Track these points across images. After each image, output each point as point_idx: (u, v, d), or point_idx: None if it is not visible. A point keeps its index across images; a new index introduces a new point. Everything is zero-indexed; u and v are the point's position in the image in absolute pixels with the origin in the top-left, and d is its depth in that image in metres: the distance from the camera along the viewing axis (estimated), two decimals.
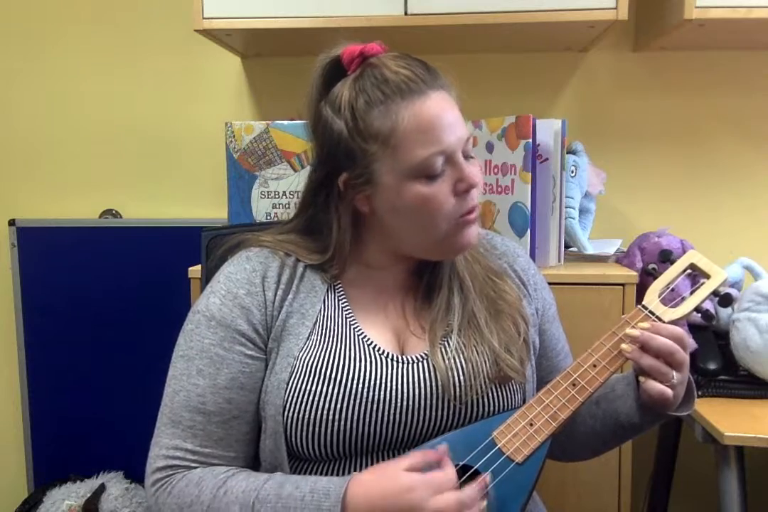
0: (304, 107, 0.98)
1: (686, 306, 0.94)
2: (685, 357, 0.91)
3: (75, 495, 1.81)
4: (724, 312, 1.48)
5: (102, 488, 1.82)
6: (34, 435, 1.96)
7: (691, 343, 1.36)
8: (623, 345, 0.91)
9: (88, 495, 1.80)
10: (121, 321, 1.90)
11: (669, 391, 0.89)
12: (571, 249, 1.61)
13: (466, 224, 0.94)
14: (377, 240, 0.99)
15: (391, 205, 0.93)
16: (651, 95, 1.81)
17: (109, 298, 1.90)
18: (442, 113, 0.90)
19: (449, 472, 0.82)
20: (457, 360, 0.94)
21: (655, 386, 0.89)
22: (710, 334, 1.46)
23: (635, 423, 0.98)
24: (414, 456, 0.84)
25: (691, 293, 0.95)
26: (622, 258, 1.61)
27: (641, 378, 0.91)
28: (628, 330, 0.91)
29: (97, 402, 1.92)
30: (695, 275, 0.98)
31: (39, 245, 1.92)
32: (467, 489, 0.82)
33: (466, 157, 0.94)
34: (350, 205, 0.95)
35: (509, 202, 1.47)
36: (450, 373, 0.93)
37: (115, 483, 1.84)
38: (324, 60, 0.96)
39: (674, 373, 0.89)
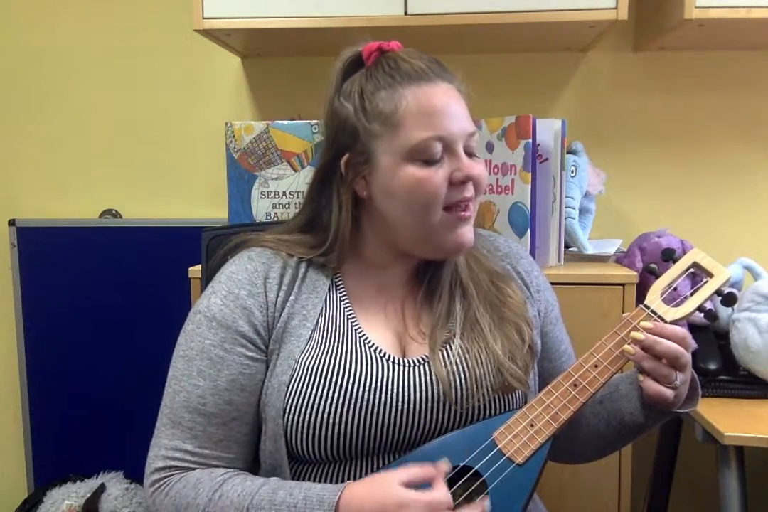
0: (322, 102, 0.98)
1: (689, 306, 0.94)
2: (689, 359, 0.91)
3: (75, 495, 1.81)
4: (724, 312, 1.48)
5: (102, 488, 1.81)
6: (34, 435, 1.96)
7: (692, 343, 1.36)
8: (626, 346, 0.90)
9: (88, 495, 1.80)
10: (121, 321, 1.90)
11: (668, 392, 0.89)
12: (571, 249, 1.61)
13: (458, 221, 0.93)
14: (376, 232, 0.99)
15: (386, 186, 0.93)
16: (651, 95, 1.81)
17: (109, 298, 1.90)
18: (446, 100, 0.91)
19: (444, 494, 0.81)
20: (460, 366, 0.93)
21: (653, 386, 0.89)
22: (710, 334, 1.46)
23: (640, 423, 0.97)
24: (412, 471, 0.83)
25: (694, 292, 0.95)
26: (622, 258, 1.61)
27: (640, 377, 0.91)
28: (633, 334, 0.90)
29: (97, 402, 1.92)
30: (695, 274, 0.98)
31: (39, 245, 1.92)
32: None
33: (470, 154, 0.94)
34: (350, 188, 0.96)
35: (509, 202, 1.47)
36: (450, 378, 0.92)
37: (115, 483, 1.84)
38: (346, 55, 0.97)
39: (677, 375, 0.89)
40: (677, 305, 0.94)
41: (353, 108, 0.93)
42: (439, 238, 0.94)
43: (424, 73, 0.92)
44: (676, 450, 1.70)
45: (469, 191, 0.94)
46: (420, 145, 0.90)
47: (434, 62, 0.94)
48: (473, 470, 0.88)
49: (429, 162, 0.91)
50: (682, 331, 0.90)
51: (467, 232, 0.95)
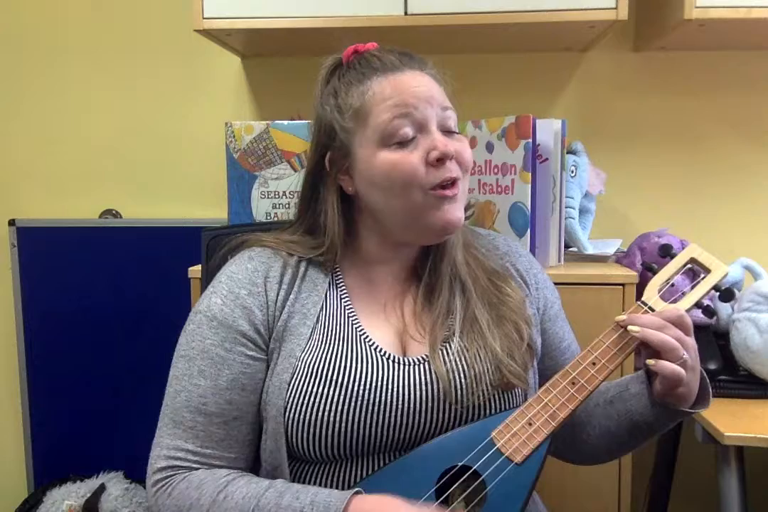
0: (311, 109, 1.01)
1: (686, 302, 0.94)
2: (688, 340, 0.89)
3: (75, 495, 1.81)
4: (724, 312, 1.48)
5: (102, 488, 1.81)
6: (34, 435, 1.96)
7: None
8: (630, 327, 0.90)
9: (88, 495, 1.79)
10: (122, 321, 1.90)
11: (682, 370, 0.87)
12: (571, 249, 1.61)
13: (443, 199, 0.92)
14: (368, 227, 1.00)
15: (366, 177, 0.94)
16: (651, 95, 1.81)
17: (109, 298, 1.90)
18: (412, 82, 0.93)
19: None
20: (460, 364, 0.94)
21: (667, 366, 0.87)
22: (710, 334, 1.46)
23: (650, 422, 0.96)
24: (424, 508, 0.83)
25: (691, 288, 0.95)
26: (622, 258, 1.61)
27: (651, 362, 0.88)
28: (630, 327, 0.90)
29: (97, 402, 1.92)
30: (694, 270, 0.97)
31: (39, 245, 1.92)
32: None
33: (447, 131, 0.94)
34: (335, 183, 0.97)
35: (509, 202, 1.47)
36: (451, 376, 0.92)
37: (115, 483, 1.84)
38: (327, 63, 1.00)
39: (684, 352, 0.88)
40: (675, 301, 0.94)
41: (329, 108, 0.95)
42: (426, 218, 0.93)
43: (393, 65, 0.94)
44: (676, 450, 1.70)
45: (452, 171, 0.92)
46: (389, 126, 0.91)
47: (405, 55, 0.96)
48: (472, 469, 0.87)
49: (402, 144, 0.92)
50: (677, 313, 0.90)
51: (455, 210, 0.93)
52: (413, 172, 0.91)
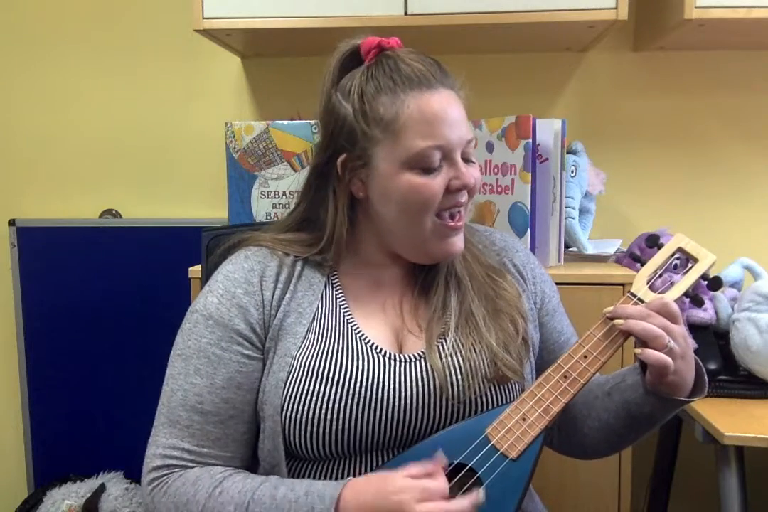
0: (318, 94, 0.99)
1: (675, 291, 0.94)
2: (676, 328, 0.89)
3: (75, 495, 1.81)
4: (724, 312, 1.48)
5: (102, 488, 1.81)
6: (34, 435, 1.96)
7: (691, 343, 1.35)
8: (615, 320, 0.90)
9: (88, 495, 1.80)
10: (121, 321, 1.90)
11: (667, 358, 0.87)
12: (571, 249, 1.61)
13: (450, 230, 0.95)
14: (371, 232, 1.00)
15: (383, 191, 0.94)
16: (651, 95, 1.81)
17: (109, 298, 1.90)
18: (448, 109, 0.92)
19: (441, 483, 0.82)
20: (455, 359, 0.94)
21: (652, 354, 0.87)
22: (710, 334, 1.46)
23: (646, 413, 0.96)
24: (412, 469, 0.83)
25: (680, 277, 0.95)
26: (622, 258, 1.61)
27: (637, 351, 0.89)
28: (616, 322, 0.90)
29: (97, 401, 1.92)
30: (682, 260, 0.97)
31: (39, 245, 1.92)
32: (456, 501, 0.81)
33: (467, 160, 0.95)
34: (346, 188, 0.97)
35: (509, 202, 1.47)
36: (447, 372, 0.93)
37: (115, 483, 1.84)
38: (343, 47, 0.98)
39: (669, 340, 0.88)
40: (663, 291, 0.94)
41: (352, 109, 0.93)
42: (429, 245, 0.96)
43: (425, 79, 0.92)
44: (676, 450, 1.70)
45: (463, 196, 0.95)
46: (420, 154, 0.91)
47: (434, 65, 0.94)
48: (468, 466, 0.87)
49: (427, 170, 0.92)
50: (662, 303, 0.90)
51: (458, 241, 0.97)
52: (433, 197, 0.92)
